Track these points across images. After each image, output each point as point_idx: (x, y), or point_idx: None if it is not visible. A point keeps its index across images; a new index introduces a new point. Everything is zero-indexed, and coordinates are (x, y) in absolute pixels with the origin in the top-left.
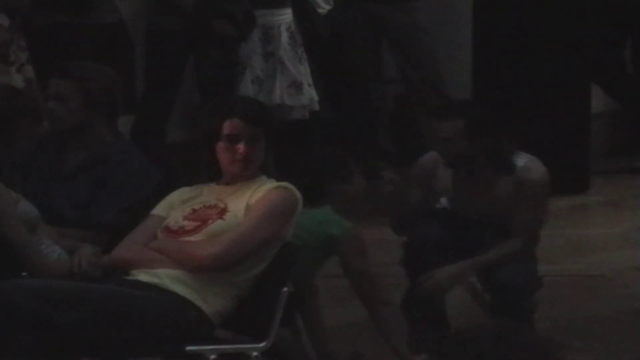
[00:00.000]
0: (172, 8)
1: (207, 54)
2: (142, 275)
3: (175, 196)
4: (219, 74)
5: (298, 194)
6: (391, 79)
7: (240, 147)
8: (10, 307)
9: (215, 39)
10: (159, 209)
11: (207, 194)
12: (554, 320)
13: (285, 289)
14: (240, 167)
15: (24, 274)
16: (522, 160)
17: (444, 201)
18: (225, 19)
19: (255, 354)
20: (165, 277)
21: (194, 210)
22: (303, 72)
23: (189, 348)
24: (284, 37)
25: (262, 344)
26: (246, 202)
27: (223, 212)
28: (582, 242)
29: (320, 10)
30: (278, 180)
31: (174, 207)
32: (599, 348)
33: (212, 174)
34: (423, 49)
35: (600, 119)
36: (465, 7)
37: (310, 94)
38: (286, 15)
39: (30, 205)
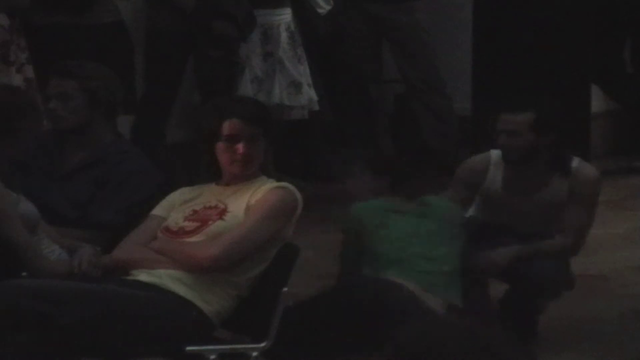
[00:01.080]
0: (172, 8)
1: (207, 54)
2: (143, 276)
3: (176, 197)
4: (220, 74)
5: (298, 195)
6: (391, 79)
7: (240, 147)
8: (11, 307)
9: (216, 39)
10: (159, 210)
11: (207, 194)
12: (554, 320)
13: (285, 289)
14: (239, 168)
15: (24, 274)
16: (576, 161)
17: (471, 210)
18: (226, 19)
19: (255, 354)
20: (165, 277)
21: (195, 211)
22: (302, 72)
23: (189, 348)
24: (283, 37)
25: (262, 344)
26: (246, 202)
27: (223, 212)
28: None
29: (320, 11)
30: (277, 180)
31: (174, 207)
32: (599, 348)
33: (212, 174)
34: (423, 49)
35: (600, 119)
36: (466, 7)
37: (309, 94)
38: (285, 15)
39: (30, 205)
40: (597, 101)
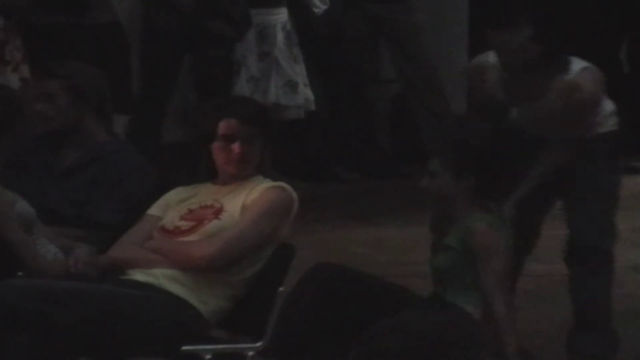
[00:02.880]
0: (169, 8)
1: (205, 54)
2: (139, 275)
3: (172, 196)
4: (217, 74)
5: (294, 194)
6: (389, 79)
7: (236, 147)
8: (7, 307)
9: (213, 39)
10: (155, 209)
11: (204, 193)
12: (553, 319)
13: (281, 288)
14: (235, 167)
15: (19, 273)
16: (579, 64)
17: None
18: (223, 19)
19: (251, 353)
20: (161, 276)
21: (190, 210)
22: (299, 71)
23: (184, 347)
24: (280, 36)
25: (257, 344)
26: (242, 202)
27: (219, 212)
28: None
29: (316, 10)
30: (275, 180)
31: (170, 207)
32: None
33: (209, 173)
34: (421, 49)
35: None
36: (462, 6)
37: (305, 93)
38: (281, 15)
39: (27, 205)
40: None
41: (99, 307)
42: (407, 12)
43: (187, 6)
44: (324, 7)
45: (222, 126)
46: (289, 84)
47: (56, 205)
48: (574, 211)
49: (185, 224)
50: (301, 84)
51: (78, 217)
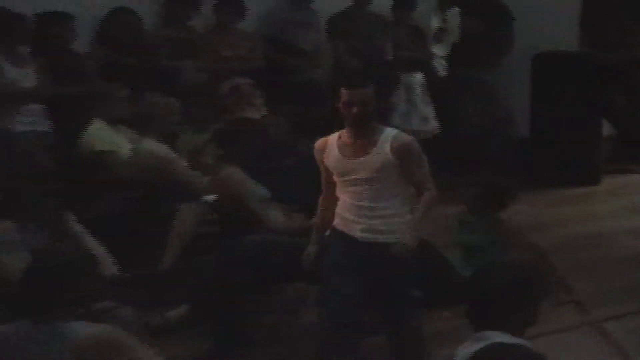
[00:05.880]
0: None
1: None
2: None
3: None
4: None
5: None
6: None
7: None
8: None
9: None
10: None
11: None
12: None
13: None
14: None
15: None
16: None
17: None
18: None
19: None
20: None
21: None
22: (429, 111)
23: None
24: (417, 89)
25: None
26: None
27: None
28: None
29: (439, 74)
30: None
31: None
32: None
33: None
34: (496, 98)
35: (608, 141)
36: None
37: (433, 124)
38: (419, 77)
39: (264, 189)
40: (606, 128)
41: None
42: (486, 72)
43: None
44: (444, 73)
45: None
46: (423, 118)
47: (282, 190)
48: None
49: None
50: (431, 118)
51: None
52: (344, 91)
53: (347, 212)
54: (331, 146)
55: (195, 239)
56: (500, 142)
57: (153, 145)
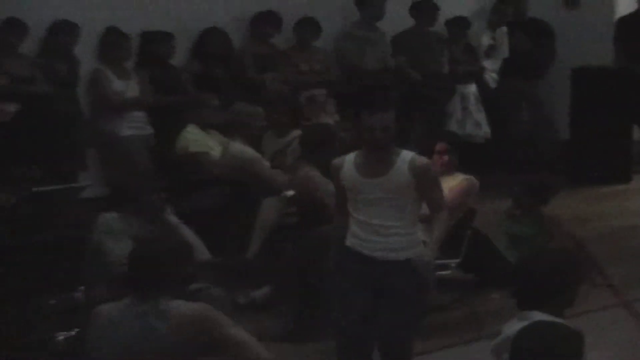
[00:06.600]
0: None
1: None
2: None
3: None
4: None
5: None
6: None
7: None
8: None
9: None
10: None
11: None
12: None
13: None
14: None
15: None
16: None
17: None
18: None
19: (453, 264)
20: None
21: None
22: (481, 118)
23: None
24: (472, 99)
25: (457, 260)
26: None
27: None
28: None
29: (491, 85)
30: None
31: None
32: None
33: None
34: (540, 107)
35: (639, 144)
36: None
37: (485, 129)
38: (472, 88)
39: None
40: (637, 132)
41: None
42: (536, 85)
43: None
44: (494, 85)
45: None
46: (476, 124)
47: None
48: None
49: None
50: (483, 124)
51: None
52: (365, 115)
53: (361, 231)
54: (348, 165)
55: (277, 229)
56: (544, 146)
57: (240, 148)
